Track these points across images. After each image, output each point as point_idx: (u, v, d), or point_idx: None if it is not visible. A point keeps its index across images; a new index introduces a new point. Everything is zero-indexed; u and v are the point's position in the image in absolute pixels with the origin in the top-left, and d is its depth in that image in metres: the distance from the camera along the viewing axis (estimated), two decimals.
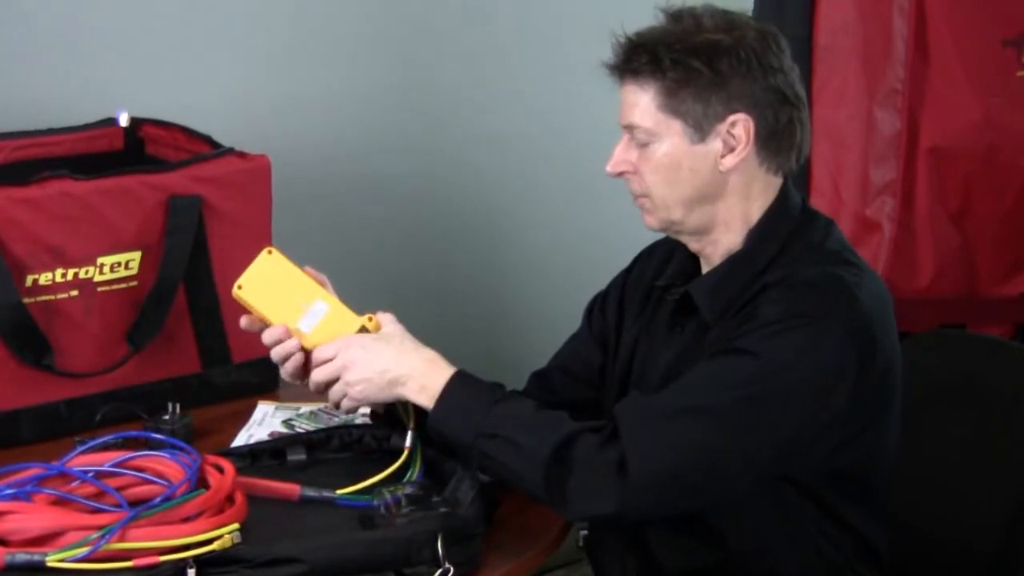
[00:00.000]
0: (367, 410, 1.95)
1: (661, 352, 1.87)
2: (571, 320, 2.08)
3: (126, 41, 2.66)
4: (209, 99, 2.69)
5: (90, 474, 1.71)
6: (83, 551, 1.57)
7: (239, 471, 1.78)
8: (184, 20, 2.72)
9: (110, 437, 1.81)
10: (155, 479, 1.71)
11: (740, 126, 1.77)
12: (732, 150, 1.78)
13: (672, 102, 1.76)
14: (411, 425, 1.86)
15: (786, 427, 1.71)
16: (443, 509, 1.71)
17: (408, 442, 1.86)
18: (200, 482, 1.71)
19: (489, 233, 3.21)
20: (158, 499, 1.64)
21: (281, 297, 1.87)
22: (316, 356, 1.84)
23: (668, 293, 1.89)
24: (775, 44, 1.79)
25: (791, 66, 1.80)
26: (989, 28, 2.57)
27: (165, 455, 1.76)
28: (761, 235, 1.81)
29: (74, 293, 2.12)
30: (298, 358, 1.87)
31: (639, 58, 1.77)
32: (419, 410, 1.83)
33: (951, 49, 2.55)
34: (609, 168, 1.83)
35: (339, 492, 1.82)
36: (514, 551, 1.77)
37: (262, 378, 2.27)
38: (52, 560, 1.57)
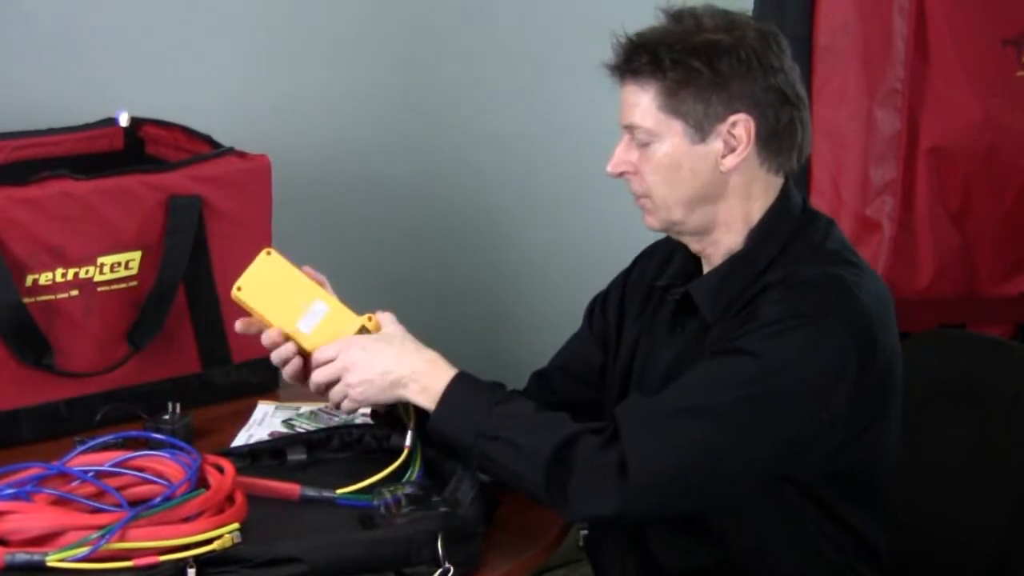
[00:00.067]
0: (367, 410, 1.95)
1: (661, 352, 1.87)
2: (571, 320, 2.08)
3: (126, 41, 2.66)
4: (209, 99, 2.69)
5: (90, 474, 1.71)
6: (83, 551, 1.57)
7: (239, 471, 1.78)
8: (184, 20, 2.72)
9: (110, 437, 1.81)
10: (155, 479, 1.72)
11: (741, 126, 1.77)
12: (733, 150, 1.78)
13: (672, 102, 1.76)
14: (411, 425, 1.86)
15: (786, 427, 1.71)
16: (443, 509, 1.71)
17: (408, 441, 1.86)
18: (200, 482, 1.71)
19: (489, 233, 3.21)
20: (158, 499, 1.64)
21: (280, 298, 1.87)
22: (316, 357, 1.84)
23: (669, 293, 1.89)
24: (776, 44, 1.79)
25: (792, 66, 1.80)
26: (989, 28, 2.57)
27: (165, 455, 1.76)
28: (762, 235, 1.81)
29: (74, 293, 2.12)
30: (297, 362, 1.87)
31: (639, 58, 1.77)
32: (419, 410, 1.83)
33: (951, 49, 2.55)
34: (610, 168, 1.83)
35: (339, 492, 1.82)
36: (514, 551, 1.77)
37: (262, 378, 2.27)
38: (52, 560, 1.57)
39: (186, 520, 1.63)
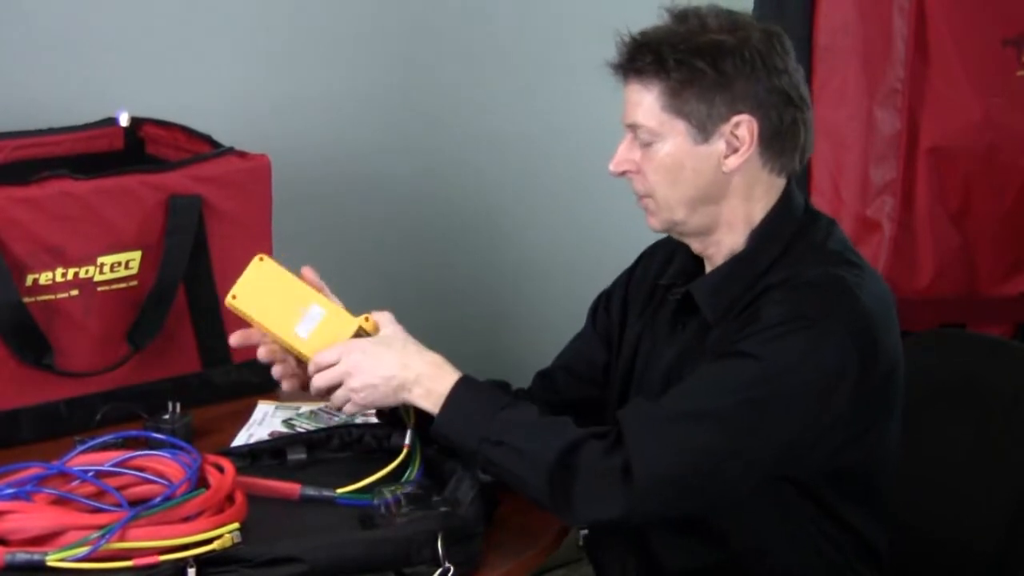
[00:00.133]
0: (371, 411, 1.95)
1: (662, 351, 1.87)
2: (571, 320, 2.08)
3: (126, 41, 2.66)
4: (209, 99, 2.69)
5: (90, 474, 1.71)
6: (83, 550, 1.57)
7: (239, 470, 1.78)
8: (184, 20, 2.72)
9: (110, 437, 1.81)
10: (155, 479, 1.71)
11: (744, 127, 1.76)
12: (735, 151, 1.78)
13: (676, 102, 1.76)
14: (411, 424, 1.86)
15: (788, 430, 1.71)
16: (443, 509, 1.71)
17: (407, 440, 1.86)
18: (200, 482, 1.71)
19: (489, 233, 3.21)
20: (158, 499, 1.64)
21: (276, 304, 1.85)
22: (317, 361, 1.82)
23: (670, 293, 1.89)
24: (780, 45, 1.79)
25: (796, 67, 1.80)
26: (989, 28, 2.57)
27: (165, 455, 1.76)
28: (763, 236, 1.81)
29: (74, 293, 2.12)
30: (297, 378, 1.87)
31: (643, 57, 1.77)
32: (421, 410, 1.82)
33: (951, 49, 2.55)
34: (612, 167, 1.82)
35: (339, 491, 1.82)
36: (514, 551, 1.77)
37: (262, 378, 2.24)
38: (52, 560, 1.56)
39: (186, 520, 1.63)
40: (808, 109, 1.81)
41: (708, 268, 1.86)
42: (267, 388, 2.28)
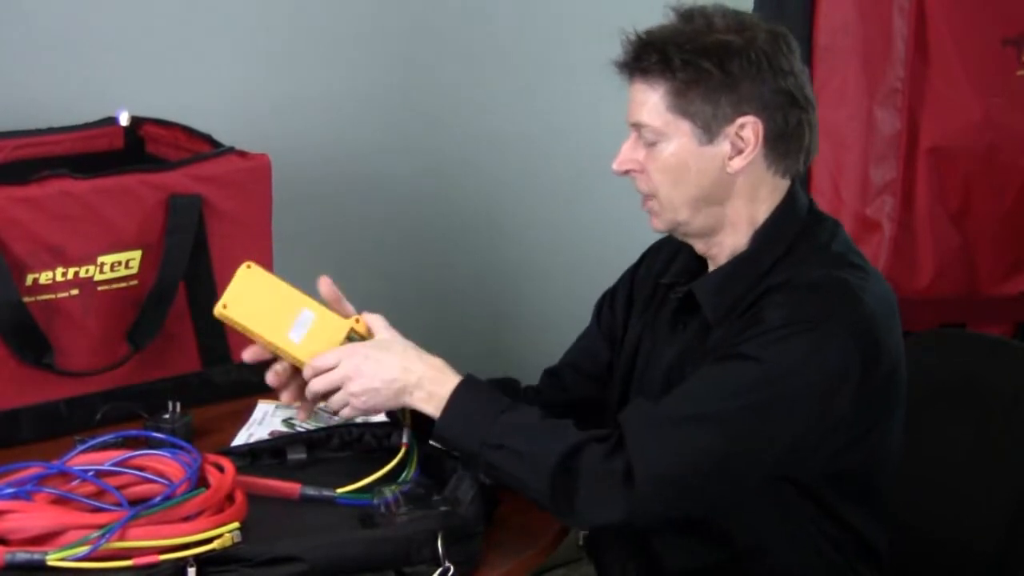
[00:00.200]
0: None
1: (663, 350, 1.86)
2: (571, 320, 2.07)
3: (126, 41, 2.66)
4: (209, 99, 2.69)
5: (90, 473, 1.71)
6: (83, 550, 1.57)
7: (239, 470, 1.78)
8: (184, 20, 2.72)
9: (110, 436, 1.81)
10: (155, 478, 1.72)
11: (749, 128, 1.76)
12: (740, 152, 1.77)
13: (681, 102, 1.75)
14: (407, 423, 1.85)
15: (790, 432, 1.70)
16: (443, 508, 1.71)
17: (405, 438, 1.86)
18: (200, 481, 1.71)
19: (489, 233, 3.21)
20: (158, 498, 1.64)
21: (267, 311, 1.83)
22: (315, 365, 1.81)
23: (672, 291, 1.89)
24: (786, 46, 1.78)
25: (801, 68, 1.79)
26: (989, 28, 2.57)
27: (165, 454, 1.76)
28: (767, 237, 1.81)
29: (74, 292, 2.12)
30: (294, 387, 1.86)
31: (649, 57, 1.76)
32: (421, 412, 1.82)
33: (951, 49, 2.55)
34: (615, 166, 1.82)
35: (339, 491, 1.82)
36: (514, 550, 1.77)
37: (262, 377, 2.26)
38: (52, 559, 1.57)
39: (186, 519, 1.63)
40: (813, 110, 1.80)
41: (711, 268, 1.86)
42: (267, 387, 2.27)
